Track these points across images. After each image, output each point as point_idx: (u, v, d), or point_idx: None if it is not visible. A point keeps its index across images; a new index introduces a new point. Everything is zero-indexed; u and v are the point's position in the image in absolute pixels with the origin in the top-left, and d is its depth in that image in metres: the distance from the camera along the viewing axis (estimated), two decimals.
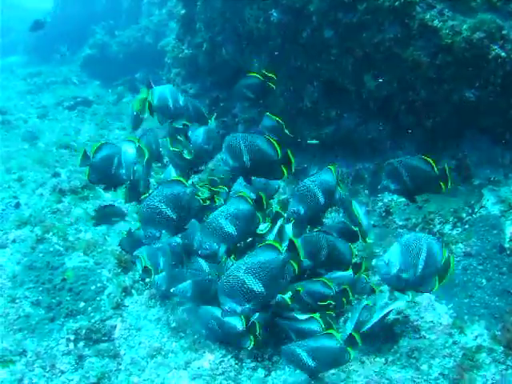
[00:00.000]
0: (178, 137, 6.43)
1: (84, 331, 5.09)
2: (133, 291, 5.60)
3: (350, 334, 4.08)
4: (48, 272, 5.70)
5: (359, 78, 6.62)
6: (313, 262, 4.56)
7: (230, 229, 4.29)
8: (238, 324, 4.48)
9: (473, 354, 4.46)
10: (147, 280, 5.44)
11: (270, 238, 5.23)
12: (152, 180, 5.98)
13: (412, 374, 4.41)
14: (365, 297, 4.86)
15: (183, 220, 4.37)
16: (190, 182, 5.21)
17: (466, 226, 5.65)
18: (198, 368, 4.68)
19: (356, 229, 4.96)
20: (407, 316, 4.94)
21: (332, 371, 4.35)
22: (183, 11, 9.28)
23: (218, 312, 4.27)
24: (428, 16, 5.66)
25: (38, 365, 4.85)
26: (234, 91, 6.19)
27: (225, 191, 5.51)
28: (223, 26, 8.09)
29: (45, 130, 10.71)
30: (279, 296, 4.48)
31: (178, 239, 5.10)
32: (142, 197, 5.30)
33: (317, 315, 4.46)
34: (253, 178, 4.72)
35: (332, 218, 6.32)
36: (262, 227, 5.06)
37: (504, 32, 5.41)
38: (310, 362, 4.03)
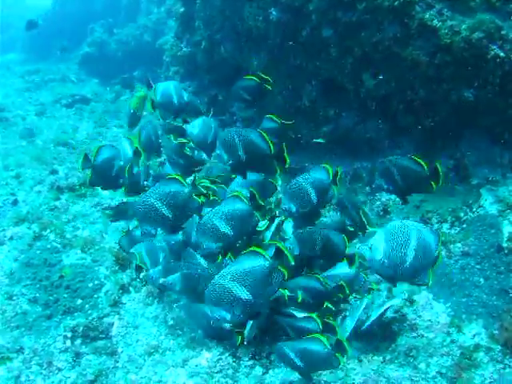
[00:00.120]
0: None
1: (81, 328, 5.09)
2: (130, 289, 5.60)
3: (338, 339, 4.05)
4: (45, 269, 5.70)
5: (358, 77, 6.62)
6: (308, 256, 4.57)
7: (226, 229, 4.28)
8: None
9: (471, 353, 4.46)
10: (142, 275, 5.42)
11: (267, 235, 5.23)
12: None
13: (410, 372, 4.41)
14: (365, 295, 4.84)
15: (179, 219, 4.37)
16: (190, 179, 5.17)
17: (464, 226, 5.66)
18: (196, 366, 4.67)
19: (352, 229, 4.98)
20: (405, 315, 4.94)
21: (330, 369, 4.35)
22: (182, 9, 9.27)
23: (208, 309, 4.25)
24: (427, 16, 5.66)
25: (35, 362, 4.85)
26: (230, 92, 6.19)
27: (223, 190, 5.50)
28: (222, 24, 8.08)
29: (43, 127, 10.70)
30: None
31: (177, 236, 5.08)
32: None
33: (314, 314, 4.45)
34: (250, 179, 4.75)
35: (330, 216, 6.31)
36: (260, 224, 5.05)
37: (503, 32, 5.40)
38: (298, 362, 4.03)
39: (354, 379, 4.39)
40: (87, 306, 5.36)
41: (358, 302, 4.80)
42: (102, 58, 15.72)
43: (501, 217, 5.48)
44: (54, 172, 7.88)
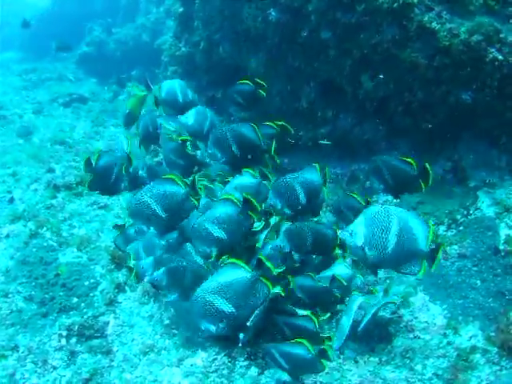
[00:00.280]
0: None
1: (77, 327, 5.07)
2: (126, 287, 5.58)
3: (323, 348, 4.06)
4: (41, 267, 5.68)
5: (356, 78, 6.62)
6: (300, 252, 4.56)
7: (219, 233, 4.29)
8: None
9: (467, 355, 4.46)
10: (131, 264, 5.35)
11: (262, 237, 5.22)
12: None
13: (406, 374, 4.40)
14: (357, 292, 4.82)
15: (173, 220, 4.37)
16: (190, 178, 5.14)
17: (461, 228, 5.66)
18: (191, 365, 4.65)
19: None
20: (401, 316, 4.94)
21: (326, 370, 4.34)
22: (181, 9, 9.26)
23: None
24: (426, 18, 5.67)
25: (29, 360, 4.83)
26: (226, 96, 6.18)
27: (219, 188, 5.49)
28: (221, 24, 8.08)
29: (40, 125, 10.67)
30: (274, 291, 4.46)
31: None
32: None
33: (309, 312, 4.46)
34: (244, 181, 4.75)
35: (326, 217, 6.30)
36: (256, 225, 5.03)
37: (502, 35, 5.42)
38: (284, 364, 4.08)
39: (350, 380, 4.37)
40: (83, 304, 5.35)
41: (353, 297, 4.74)
42: (100, 57, 15.72)
43: (498, 219, 5.48)
44: (50, 170, 7.86)
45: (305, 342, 4.01)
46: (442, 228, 5.78)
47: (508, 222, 5.38)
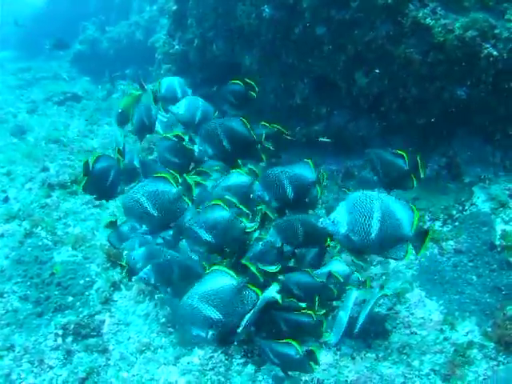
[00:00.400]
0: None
1: (72, 326, 5.06)
2: (121, 286, 5.57)
3: (311, 350, 4.08)
4: (36, 266, 5.67)
5: (351, 75, 6.60)
6: (292, 245, 4.53)
7: (208, 237, 4.31)
8: None
9: (464, 350, 4.47)
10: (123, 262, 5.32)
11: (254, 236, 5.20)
12: None
13: (403, 369, 4.41)
14: (354, 287, 4.80)
15: (165, 219, 4.36)
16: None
17: (457, 224, 5.67)
18: (188, 363, 4.65)
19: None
20: (398, 312, 4.95)
21: (323, 367, 4.35)
22: (175, 7, 9.21)
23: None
24: (421, 14, 5.65)
25: (26, 360, 4.82)
26: (219, 95, 6.17)
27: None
28: (215, 21, 8.04)
29: (34, 124, 10.62)
30: (270, 296, 4.46)
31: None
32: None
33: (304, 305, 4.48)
34: (236, 181, 4.73)
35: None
36: (250, 225, 4.99)
37: (496, 31, 5.41)
38: (275, 361, 4.14)
39: (347, 376, 4.39)
40: (78, 303, 5.33)
41: (349, 292, 4.73)
42: (93, 55, 15.63)
43: (493, 214, 5.49)
44: (45, 169, 7.83)
45: (294, 343, 4.06)
46: (438, 224, 5.78)
47: (504, 218, 5.39)
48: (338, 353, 4.63)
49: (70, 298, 5.37)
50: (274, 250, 4.56)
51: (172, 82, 5.92)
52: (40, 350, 4.90)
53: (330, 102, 7.17)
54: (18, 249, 5.91)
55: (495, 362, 4.36)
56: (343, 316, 4.51)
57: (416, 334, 4.75)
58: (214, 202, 4.47)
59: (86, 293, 5.44)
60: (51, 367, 4.76)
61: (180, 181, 4.61)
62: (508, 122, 5.84)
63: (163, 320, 5.15)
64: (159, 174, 4.47)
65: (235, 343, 4.62)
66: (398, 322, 4.87)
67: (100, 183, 5.09)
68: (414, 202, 6.07)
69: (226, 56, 8.10)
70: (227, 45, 7.97)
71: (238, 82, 5.90)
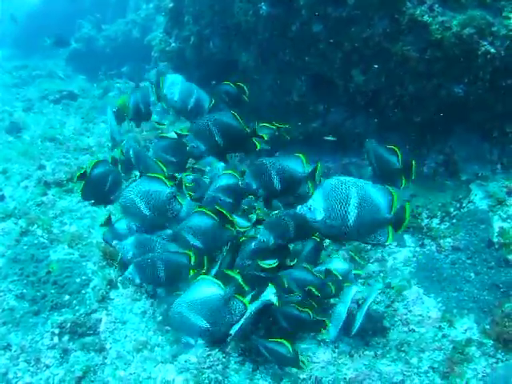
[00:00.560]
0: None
1: (69, 325, 5.04)
2: (118, 284, 5.54)
3: (296, 351, 4.14)
4: (32, 265, 5.63)
5: (347, 72, 6.59)
6: (284, 241, 4.52)
7: (195, 242, 4.34)
8: None
9: (463, 348, 4.47)
10: (114, 243, 5.28)
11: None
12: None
13: (402, 367, 4.41)
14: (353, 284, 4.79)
15: (159, 219, 4.38)
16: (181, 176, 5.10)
17: (454, 221, 5.66)
18: (185, 361, 4.63)
19: None
20: (396, 309, 4.94)
21: (321, 364, 4.34)
22: (171, 4, 9.17)
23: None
24: (418, 11, 5.64)
25: (22, 359, 4.79)
26: (214, 93, 6.16)
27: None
28: (212, 19, 8.02)
29: (30, 122, 10.58)
30: (267, 299, 4.46)
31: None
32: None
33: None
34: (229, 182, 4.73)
35: None
36: (245, 224, 4.97)
37: (494, 28, 5.40)
38: (270, 357, 4.25)
39: (345, 374, 4.38)
40: (75, 301, 5.30)
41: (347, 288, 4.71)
42: (89, 53, 15.56)
43: (491, 212, 5.49)
44: (41, 167, 7.79)
45: (286, 342, 4.13)
46: (436, 221, 5.78)
47: (501, 215, 5.39)
48: (336, 350, 4.62)
49: (67, 297, 5.33)
50: (269, 247, 4.56)
51: (175, 80, 5.87)
52: (36, 348, 4.87)
53: (327, 99, 7.16)
54: (14, 247, 5.88)
55: (494, 360, 4.36)
56: (341, 312, 4.49)
57: (414, 331, 4.74)
58: (199, 209, 4.51)
59: (83, 291, 5.41)
60: (48, 366, 4.74)
61: (177, 180, 4.63)
62: (505, 119, 5.84)
63: (160, 318, 5.13)
64: (154, 174, 4.49)
65: (233, 342, 4.62)
66: (396, 319, 4.87)
67: (98, 189, 5.08)
68: (412, 199, 6.08)
69: (223, 53, 8.08)
70: (224, 42, 7.94)
71: (229, 83, 5.92)
